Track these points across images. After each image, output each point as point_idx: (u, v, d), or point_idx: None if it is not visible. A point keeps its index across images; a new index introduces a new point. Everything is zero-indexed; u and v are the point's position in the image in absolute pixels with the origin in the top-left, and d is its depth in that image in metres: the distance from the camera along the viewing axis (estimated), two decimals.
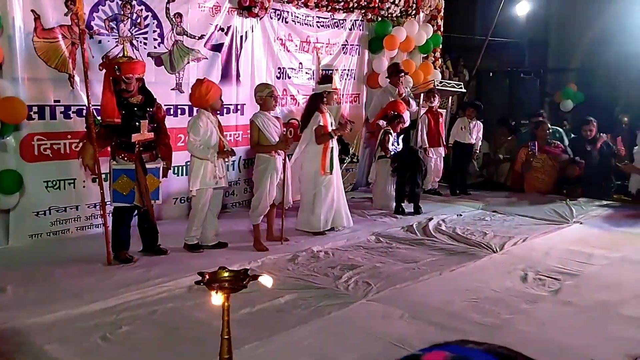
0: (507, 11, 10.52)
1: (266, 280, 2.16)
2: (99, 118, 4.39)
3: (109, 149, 4.55)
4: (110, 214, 4.63)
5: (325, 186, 5.54)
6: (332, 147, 5.56)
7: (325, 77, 5.84)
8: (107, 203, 4.52)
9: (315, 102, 5.55)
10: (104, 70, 4.35)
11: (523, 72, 11.02)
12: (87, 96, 4.35)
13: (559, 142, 7.94)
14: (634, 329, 3.44)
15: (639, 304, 3.72)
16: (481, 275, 4.44)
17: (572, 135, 8.38)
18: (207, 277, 2.05)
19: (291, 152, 5.59)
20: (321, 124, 5.47)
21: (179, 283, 4.02)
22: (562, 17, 10.68)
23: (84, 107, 5.13)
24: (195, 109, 5.04)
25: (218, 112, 5.04)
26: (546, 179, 7.76)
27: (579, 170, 7.51)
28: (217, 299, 1.92)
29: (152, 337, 3.26)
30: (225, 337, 1.98)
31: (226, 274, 2.07)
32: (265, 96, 5.04)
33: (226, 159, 4.95)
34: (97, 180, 4.68)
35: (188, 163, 5.10)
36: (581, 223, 6.20)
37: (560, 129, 8.49)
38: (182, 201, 6.06)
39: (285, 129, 5.74)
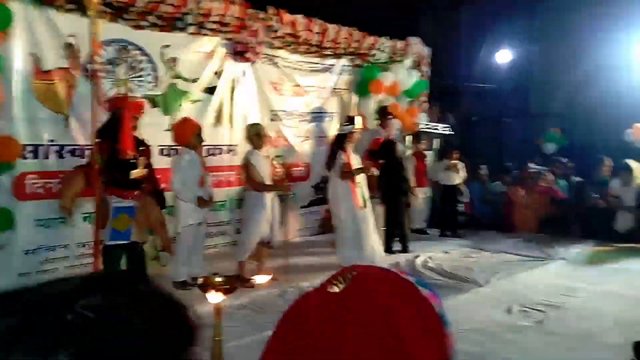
0: (490, 59, 10.95)
1: (262, 279, 2.24)
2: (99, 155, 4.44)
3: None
4: (101, 253, 4.61)
5: (364, 221, 5.72)
6: (360, 183, 5.78)
7: (349, 119, 6.10)
8: (102, 241, 4.56)
9: (340, 142, 5.87)
10: (120, 107, 4.53)
11: (506, 117, 11.34)
12: (96, 134, 4.42)
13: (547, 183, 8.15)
14: (615, 356, 3.49)
15: (619, 332, 3.78)
16: (467, 307, 4.50)
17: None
18: (200, 280, 2.12)
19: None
20: (344, 162, 5.74)
21: None
22: (542, 64, 11.09)
23: (78, 147, 5.27)
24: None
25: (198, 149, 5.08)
26: (536, 216, 7.95)
27: (561, 210, 7.69)
28: (213, 297, 1.98)
29: None
30: (217, 338, 2.02)
31: (219, 279, 2.14)
32: (252, 135, 5.26)
33: (205, 207, 5.01)
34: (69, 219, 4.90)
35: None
36: (564, 259, 6.30)
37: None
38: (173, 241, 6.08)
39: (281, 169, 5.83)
